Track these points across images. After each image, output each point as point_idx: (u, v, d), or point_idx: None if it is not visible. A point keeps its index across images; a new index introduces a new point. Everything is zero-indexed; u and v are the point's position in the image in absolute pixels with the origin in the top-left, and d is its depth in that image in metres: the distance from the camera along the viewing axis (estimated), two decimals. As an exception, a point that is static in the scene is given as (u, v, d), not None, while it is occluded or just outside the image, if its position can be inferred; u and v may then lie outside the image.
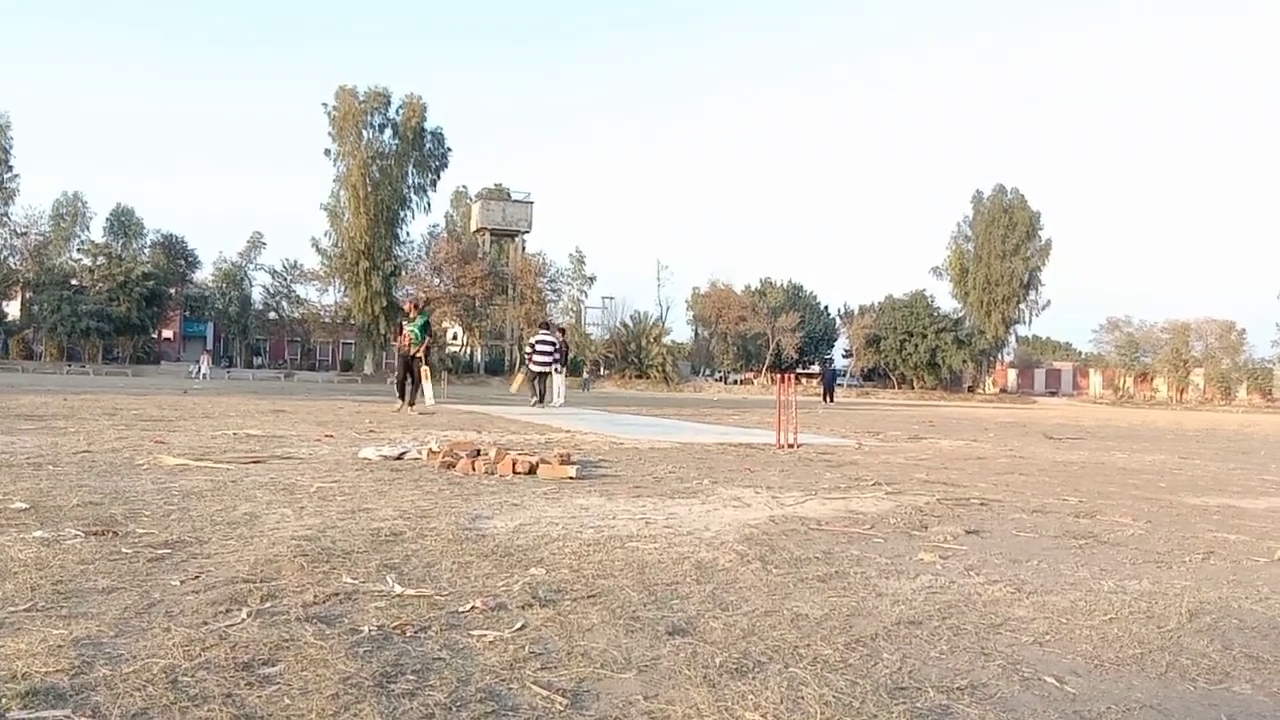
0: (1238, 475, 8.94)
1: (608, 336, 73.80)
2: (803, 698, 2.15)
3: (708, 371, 79.23)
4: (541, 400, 19.72)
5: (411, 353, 16.35)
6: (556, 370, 20.55)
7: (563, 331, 22.57)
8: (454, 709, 2.02)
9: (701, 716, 2.02)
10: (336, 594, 2.94)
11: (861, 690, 2.23)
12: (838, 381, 54.02)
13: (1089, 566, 3.93)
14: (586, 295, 79.66)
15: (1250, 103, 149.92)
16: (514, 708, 2.05)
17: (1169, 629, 2.90)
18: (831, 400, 40.22)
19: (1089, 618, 3.00)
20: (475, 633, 2.58)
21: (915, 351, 74.55)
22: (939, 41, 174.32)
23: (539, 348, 20.16)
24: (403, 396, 16.09)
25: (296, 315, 74.44)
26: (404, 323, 17.30)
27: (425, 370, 16.65)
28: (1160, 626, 2.93)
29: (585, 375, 62.75)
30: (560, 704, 2.07)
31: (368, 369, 66.01)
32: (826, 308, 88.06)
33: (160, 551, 3.48)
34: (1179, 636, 2.82)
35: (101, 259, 63.47)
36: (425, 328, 16.80)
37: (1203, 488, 7.53)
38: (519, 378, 22.11)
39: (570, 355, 25.57)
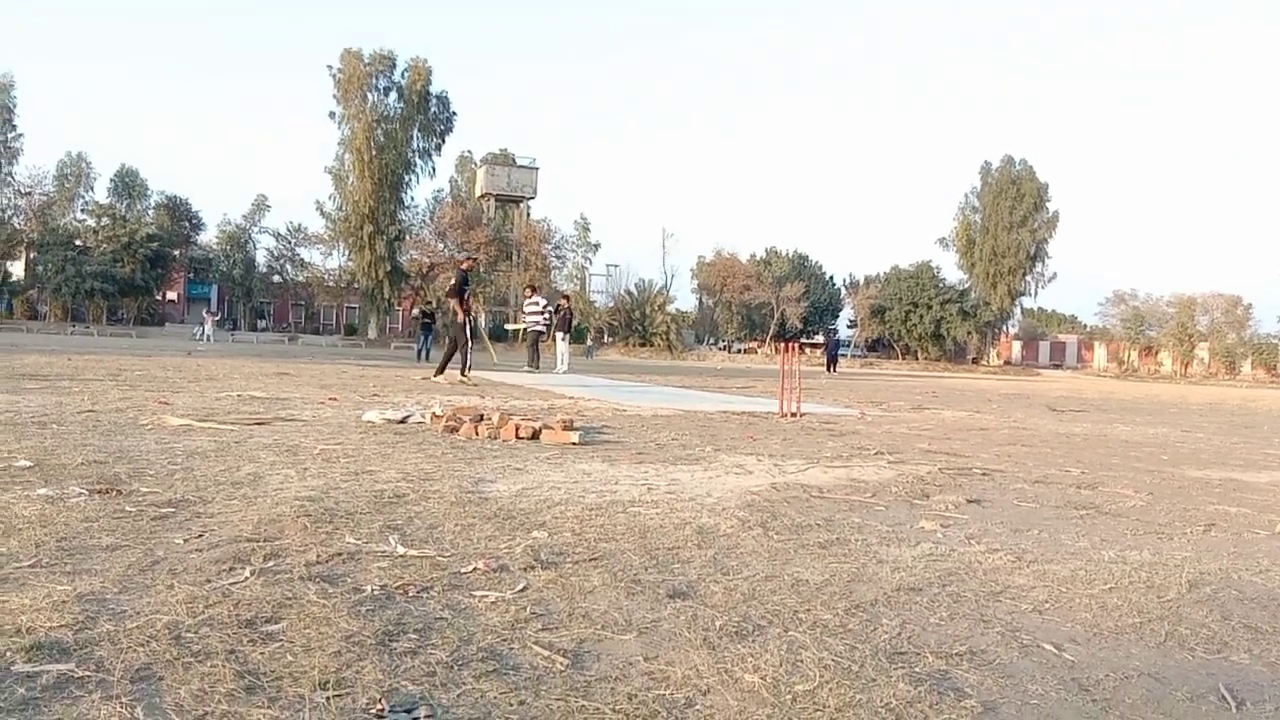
0: (1240, 449, 8.94)
1: (612, 304, 73.71)
2: (802, 661, 2.16)
3: (712, 340, 79.18)
4: (533, 364, 19.93)
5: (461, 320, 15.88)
6: (560, 337, 21.05)
7: (566, 298, 22.61)
8: (455, 668, 2.03)
9: (701, 678, 2.03)
10: (339, 554, 2.95)
11: (860, 654, 2.24)
12: (841, 352, 54.02)
13: (1089, 536, 3.94)
14: (591, 263, 79.58)
15: (1262, 78, 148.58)
16: (515, 667, 2.06)
17: (1168, 599, 2.91)
18: (835, 370, 40.23)
19: (1089, 587, 3.01)
20: (477, 593, 2.60)
21: (920, 323, 74.47)
22: (950, 10, 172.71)
23: (528, 309, 20.86)
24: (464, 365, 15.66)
25: (300, 279, 74.38)
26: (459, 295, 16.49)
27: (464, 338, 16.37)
28: (1160, 596, 2.93)
29: (589, 343, 62.77)
30: (561, 664, 2.08)
31: (371, 333, 66.00)
32: (832, 278, 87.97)
33: (164, 510, 3.49)
34: (1178, 606, 2.83)
35: (106, 220, 63.43)
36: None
37: (1205, 461, 7.53)
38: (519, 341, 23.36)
39: (574, 322, 25.89)
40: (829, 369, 40.19)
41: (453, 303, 15.35)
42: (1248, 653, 2.43)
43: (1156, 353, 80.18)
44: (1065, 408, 15.94)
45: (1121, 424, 12.10)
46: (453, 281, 15.91)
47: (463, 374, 15.25)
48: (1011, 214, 77.68)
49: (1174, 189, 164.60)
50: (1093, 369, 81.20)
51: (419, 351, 29.40)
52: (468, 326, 15.40)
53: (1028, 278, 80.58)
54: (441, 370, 15.14)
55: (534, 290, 22.27)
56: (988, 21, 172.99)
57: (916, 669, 2.17)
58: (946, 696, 2.01)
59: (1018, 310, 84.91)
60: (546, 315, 21.20)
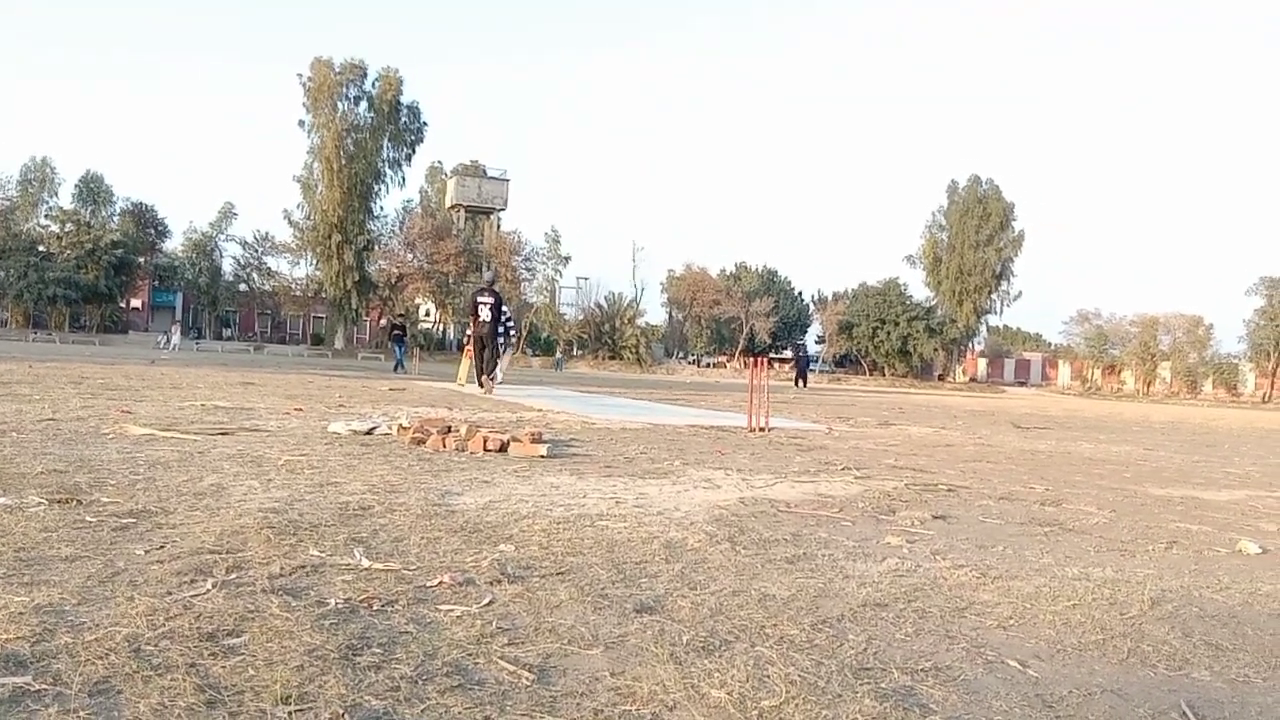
0: (1202, 467, 9.05)
1: (582, 317, 73.64)
2: (768, 676, 2.16)
3: (681, 354, 79.27)
4: (479, 378, 16.22)
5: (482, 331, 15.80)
6: (502, 343, 16.83)
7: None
8: (420, 682, 2.01)
9: (668, 693, 2.02)
10: (303, 566, 2.92)
11: (827, 670, 2.24)
12: (810, 367, 54.22)
13: (1054, 553, 3.97)
14: (561, 275, 79.35)
15: (1223, 100, 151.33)
16: (480, 682, 2.04)
17: (1131, 616, 2.94)
18: (804, 385, 40.36)
19: (1053, 603, 3.03)
20: (443, 607, 2.58)
21: (887, 339, 74.87)
22: (917, 30, 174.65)
23: (480, 310, 16.19)
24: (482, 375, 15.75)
25: (267, 288, 73.64)
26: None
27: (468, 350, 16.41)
28: (1122, 613, 2.96)
29: (559, 355, 62.66)
30: (527, 679, 2.07)
31: (338, 343, 65.52)
32: (800, 293, 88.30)
33: (125, 521, 3.44)
34: (1140, 623, 2.86)
35: (70, 226, 62.54)
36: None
37: (1167, 479, 7.62)
38: (466, 363, 18.00)
39: (514, 329, 19.11)
40: (797, 384, 40.31)
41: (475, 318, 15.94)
42: (1208, 669, 2.46)
43: (1119, 371, 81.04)
44: (1030, 425, 16.08)
45: (1085, 441, 12.22)
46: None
47: (480, 382, 15.42)
48: (978, 233, 78.39)
49: (1138, 210, 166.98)
50: (1057, 387, 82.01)
51: (396, 364, 29.50)
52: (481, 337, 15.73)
53: (993, 296, 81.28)
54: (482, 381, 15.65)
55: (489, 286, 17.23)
56: (956, 41, 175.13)
57: (882, 685, 2.17)
58: (912, 712, 2.02)
59: (983, 328, 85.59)
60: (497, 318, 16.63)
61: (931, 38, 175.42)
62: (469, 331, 16.22)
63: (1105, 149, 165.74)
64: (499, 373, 16.39)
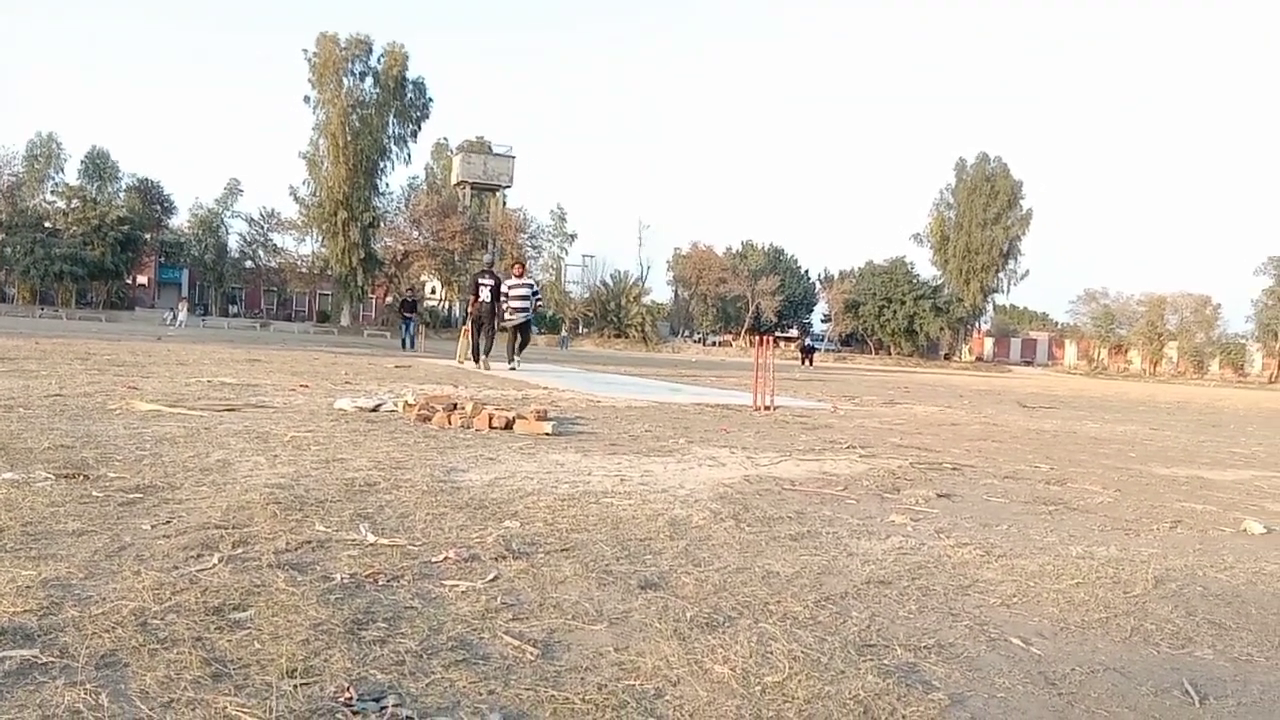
0: (1207, 447, 9.04)
1: (587, 295, 73.69)
2: (772, 652, 2.17)
3: (686, 333, 79.26)
4: (477, 359, 16.26)
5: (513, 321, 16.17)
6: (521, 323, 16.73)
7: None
8: (425, 657, 2.02)
9: (671, 668, 2.03)
10: (309, 542, 2.93)
11: (830, 646, 2.25)
12: (816, 346, 54.21)
13: (1058, 532, 3.97)
14: (567, 253, 79.51)
15: (1232, 79, 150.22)
16: (485, 657, 2.05)
17: (1134, 594, 2.94)
18: (810, 364, 40.38)
19: (1056, 581, 3.04)
20: (448, 583, 2.59)
21: (893, 318, 74.82)
22: (927, 7, 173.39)
23: (514, 293, 16.31)
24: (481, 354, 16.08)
25: (273, 264, 73.67)
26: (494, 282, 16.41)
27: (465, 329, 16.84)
28: (1126, 592, 2.96)
29: (564, 333, 62.66)
30: (531, 654, 2.08)
31: (345, 320, 65.56)
32: (807, 272, 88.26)
33: (131, 496, 3.45)
34: (1144, 602, 2.86)
35: (76, 202, 62.56)
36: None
37: (1172, 459, 7.62)
38: (464, 340, 17.84)
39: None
40: (804, 362, 40.34)
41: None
42: (1211, 648, 2.46)
43: (1126, 351, 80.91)
44: (1035, 404, 16.07)
45: (1091, 421, 12.21)
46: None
47: (476, 360, 15.68)
48: (985, 211, 78.24)
49: (1146, 189, 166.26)
50: (1063, 366, 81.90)
51: (404, 340, 29.47)
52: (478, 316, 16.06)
53: (1000, 274, 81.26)
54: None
55: (522, 269, 17.45)
56: (964, 19, 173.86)
57: (885, 661, 2.18)
58: (915, 689, 2.02)
59: (990, 307, 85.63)
60: (538, 299, 17.72)
61: (939, 14, 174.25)
62: (469, 310, 16.35)
63: (1114, 127, 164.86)
64: (517, 359, 16.51)
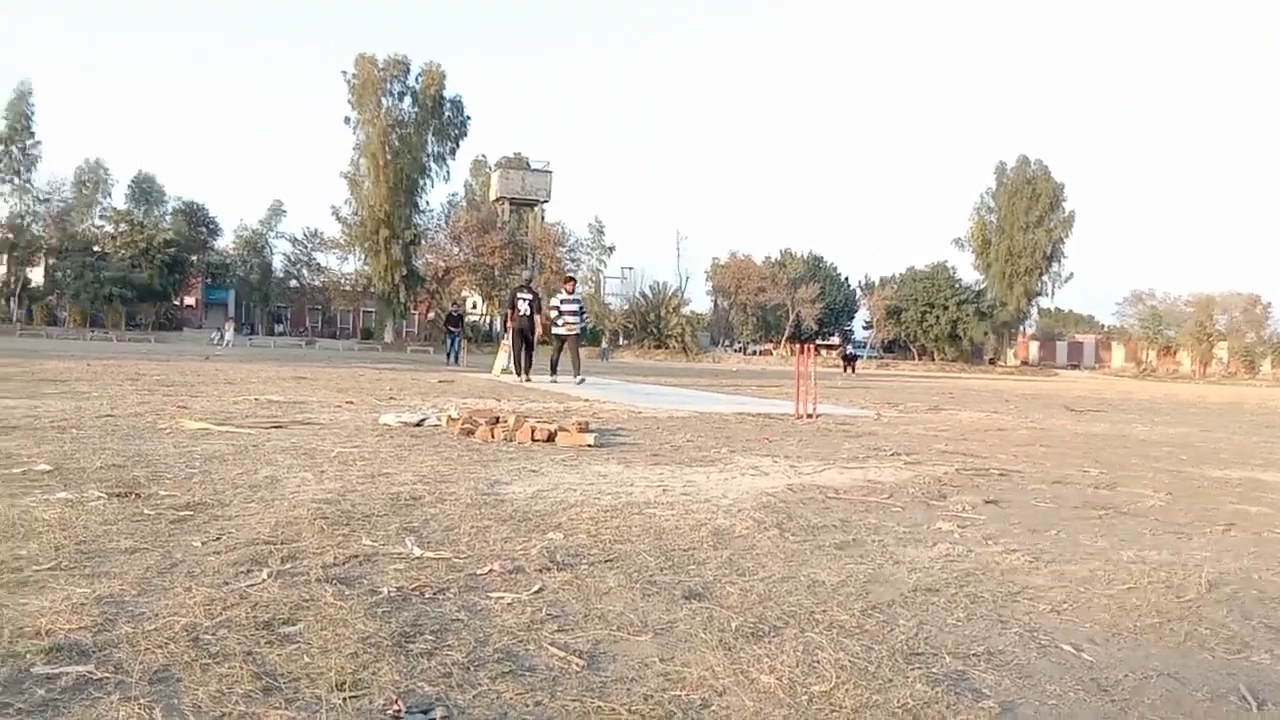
0: (1261, 448, 8.87)
1: (627, 307, 73.73)
2: (818, 662, 2.16)
3: (727, 342, 79.07)
4: (519, 372, 16.34)
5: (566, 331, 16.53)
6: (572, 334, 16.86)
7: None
8: (472, 669, 2.03)
9: (717, 679, 2.03)
10: (356, 556, 2.96)
11: (877, 655, 2.23)
12: (858, 353, 53.89)
13: (1108, 537, 3.91)
14: (605, 265, 79.52)
15: (1275, 73, 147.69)
16: (531, 668, 2.06)
17: (1188, 599, 2.89)
18: (853, 371, 40.16)
19: (1107, 587, 2.99)
20: (493, 595, 2.60)
21: (936, 323, 74.14)
22: (964, 9, 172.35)
23: (566, 308, 16.57)
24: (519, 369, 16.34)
25: (317, 283, 74.51)
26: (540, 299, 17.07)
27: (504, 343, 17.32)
28: (1179, 596, 2.91)
29: (605, 345, 62.77)
30: (577, 665, 2.08)
31: (388, 337, 66.16)
32: (847, 279, 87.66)
33: (182, 513, 3.51)
34: (1198, 606, 2.81)
35: (124, 226, 63.67)
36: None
37: (1225, 461, 7.48)
38: (502, 354, 18.15)
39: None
40: (845, 370, 40.12)
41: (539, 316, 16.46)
42: (1268, 653, 2.41)
43: (1175, 352, 79.55)
44: (1083, 408, 15.85)
45: (1140, 424, 12.03)
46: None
47: (519, 373, 16.10)
48: (1027, 214, 77.31)
49: (1191, 187, 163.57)
50: (1110, 369, 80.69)
51: (449, 354, 29.69)
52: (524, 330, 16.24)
53: (1044, 278, 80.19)
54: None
55: (573, 285, 17.68)
56: (1002, 20, 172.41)
57: (934, 669, 2.16)
58: (964, 697, 2.00)
59: (1034, 310, 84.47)
60: (585, 315, 17.82)
61: (977, 15, 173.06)
62: (508, 324, 16.59)
63: (1157, 126, 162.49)
64: (582, 375, 16.62)
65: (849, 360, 42.10)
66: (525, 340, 16.32)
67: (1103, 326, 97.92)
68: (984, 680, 2.11)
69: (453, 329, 30.96)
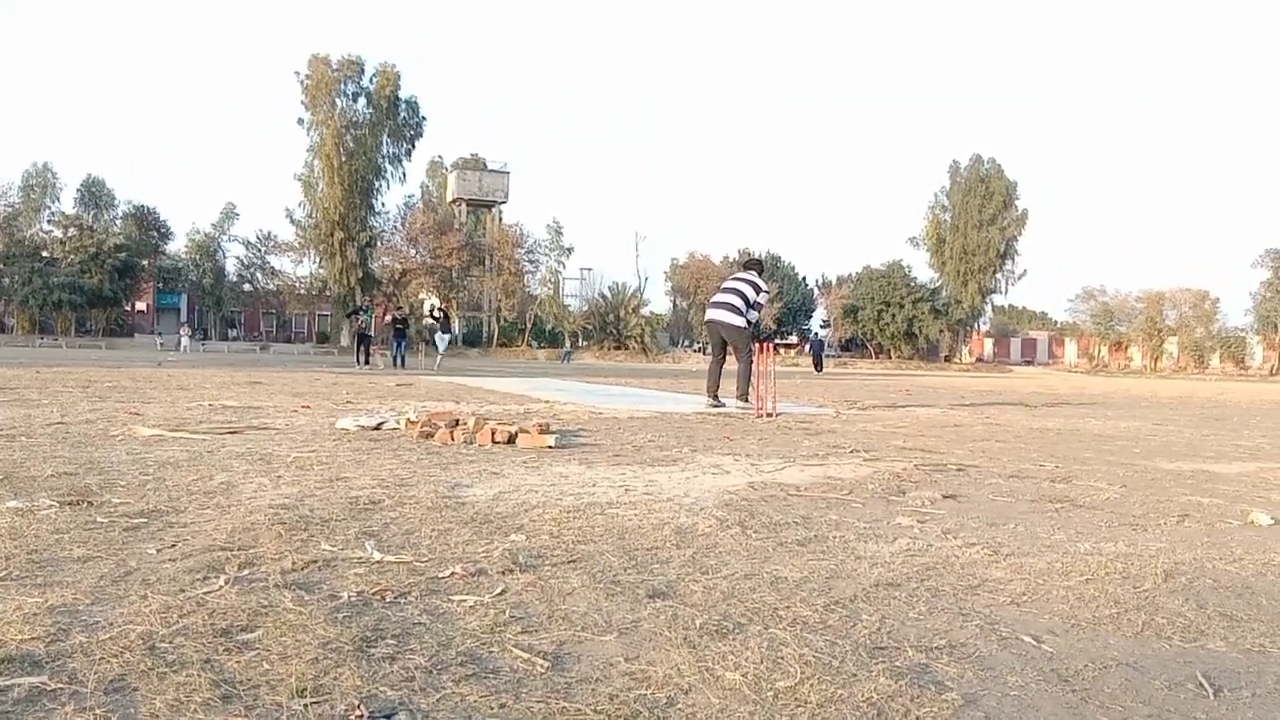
0: (1211, 441, 9.03)
1: (586, 308, 73.73)
2: (783, 657, 2.16)
3: (686, 342, 79.30)
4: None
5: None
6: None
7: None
8: (434, 672, 2.01)
9: (682, 676, 2.02)
10: (315, 561, 2.92)
11: (841, 650, 2.24)
12: (824, 352, 54.24)
13: (1065, 529, 3.96)
14: (564, 266, 79.46)
15: (1225, 73, 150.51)
16: (495, 670, 2.04)
17: (1144, 589, 2.93)
18: (820, 370, 40.42)
19: (1065, 579, 3.03)
20: (455, 598, 2.58)
21: (892, 321, 74.85)
22: (919, 9, 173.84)
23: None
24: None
25: (271, 287, 73.70)
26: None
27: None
28: (1136, 587, 2.95)
29: (566, 348, 62.67)
30: (541, 666, 2.07)
31: (344, 340, 65.51)
32: (804, 278, 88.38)
33: (136, 521, 3.44)
34: (1154, 596, 2.85)
35: (73, 230, 62.71)
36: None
37: (1177, 453, 7.60)
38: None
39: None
40: (816, 369, 40.37)
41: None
42: (1223, 640, 2.45)
43: (1126, 348, 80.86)
44: (1038, 403, 16.05)
45: (1094, 418, 12.20)
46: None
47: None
48: (981, 212, 78.32)
49: (1140, 186, 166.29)
50: (1064, 365, 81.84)
51: (394, 358, 29.66)
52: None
53: (998, 275, 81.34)
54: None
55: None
56: (956, 20, 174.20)
57: (897, 663, 2.17)
58: (927, 689, 2.01)
59: (989, 308, 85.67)
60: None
61: (932, 15, 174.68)
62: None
63: (1107, 125, 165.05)
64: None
65: (818, 360, 42.29)
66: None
67: (1056, 323, 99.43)
68: (946, 673, 2.13)
69: (400, 329, 30.97)
